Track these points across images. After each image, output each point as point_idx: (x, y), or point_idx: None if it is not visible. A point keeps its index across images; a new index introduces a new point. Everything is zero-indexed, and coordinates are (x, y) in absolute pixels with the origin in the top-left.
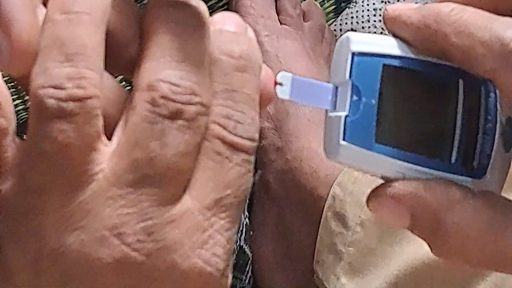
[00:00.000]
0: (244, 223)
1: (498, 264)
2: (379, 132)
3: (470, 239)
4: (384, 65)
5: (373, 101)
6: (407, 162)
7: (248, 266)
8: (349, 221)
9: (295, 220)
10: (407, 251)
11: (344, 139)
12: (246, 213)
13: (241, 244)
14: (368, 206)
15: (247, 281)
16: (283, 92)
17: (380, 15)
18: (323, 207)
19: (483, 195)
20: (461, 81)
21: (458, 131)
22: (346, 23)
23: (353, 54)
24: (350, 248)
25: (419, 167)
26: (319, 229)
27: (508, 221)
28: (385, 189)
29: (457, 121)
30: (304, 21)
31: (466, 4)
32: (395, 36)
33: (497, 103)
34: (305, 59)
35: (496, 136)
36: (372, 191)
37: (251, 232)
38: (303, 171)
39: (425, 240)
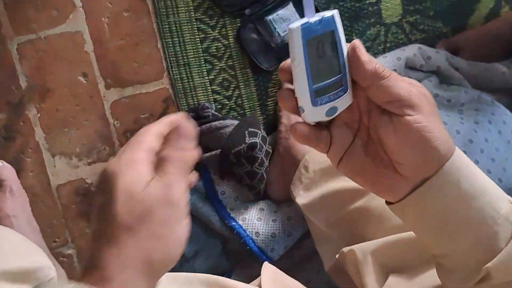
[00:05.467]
0: (266, 164)
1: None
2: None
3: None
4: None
5: None
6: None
7: (264, 181)
8: (309, 169)
9: (287, 167)
10: (332, 186)
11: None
12: (268, 161)
13: (262, 173)
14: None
15: (262, 187)
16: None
17: None
18: (299, 164)
19: None
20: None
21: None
22: None
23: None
24: (307, 181)
25: None
26: (296, 171)
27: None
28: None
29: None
30: None
31: None
32: None
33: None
34: None
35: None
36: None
37: (268, 169)
38: (293, 148)
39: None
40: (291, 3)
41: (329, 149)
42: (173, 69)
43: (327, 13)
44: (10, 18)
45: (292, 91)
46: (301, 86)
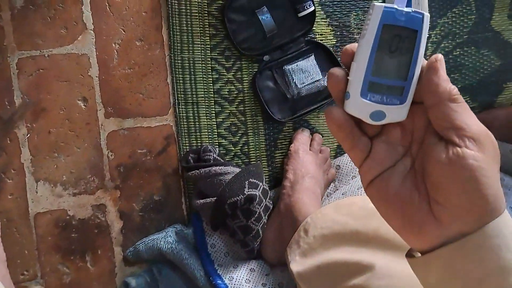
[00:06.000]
0: (264, 221)
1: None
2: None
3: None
4: None
5: None
6: None
7: (259, 239)
8: (309, 233)
9: (286, 227)
10: (332, 256)
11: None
12: (266, 217)
13: (258, 229)
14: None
15: (256, 245)
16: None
17: None
18: (299, 225)
19: None
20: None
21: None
22: None
23: None
24: (305, 245)
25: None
26: (295, 233)
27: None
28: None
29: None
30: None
31: None
32: None
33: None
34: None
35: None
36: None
37: (265, 226)
38: (295, 208)
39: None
40: (313, 55)
41: (364, 162)
42: (180, 106)
43: (418, 11)
44: (15, 30)
45: (347, 72)
46: (358, 68)
